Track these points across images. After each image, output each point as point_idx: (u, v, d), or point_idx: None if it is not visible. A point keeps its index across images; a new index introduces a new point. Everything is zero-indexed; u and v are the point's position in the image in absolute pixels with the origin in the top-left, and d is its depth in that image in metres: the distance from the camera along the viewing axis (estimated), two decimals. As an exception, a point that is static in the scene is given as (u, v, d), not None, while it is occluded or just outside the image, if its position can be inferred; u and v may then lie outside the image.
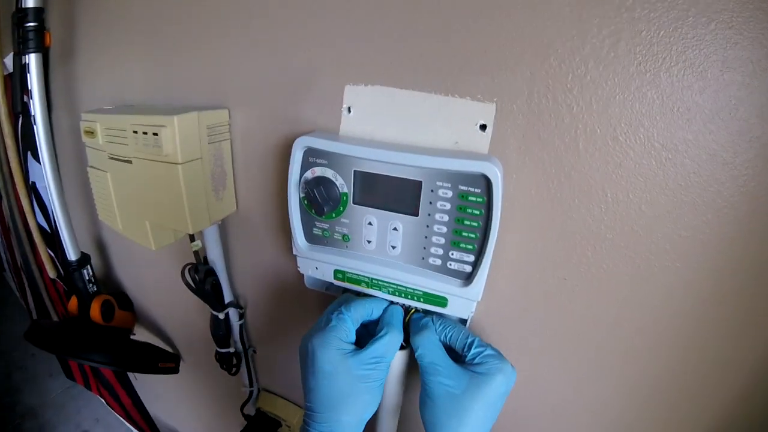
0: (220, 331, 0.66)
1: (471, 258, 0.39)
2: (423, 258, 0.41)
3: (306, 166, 0.42)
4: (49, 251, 0.89)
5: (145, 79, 0.58)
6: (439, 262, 0.41)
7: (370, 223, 0.41)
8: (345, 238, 0.43)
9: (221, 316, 0.64)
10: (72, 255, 0.70)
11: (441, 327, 0.42)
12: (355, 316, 0.42)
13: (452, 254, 0.40)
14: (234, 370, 0.72)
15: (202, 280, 0.59)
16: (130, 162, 0.49)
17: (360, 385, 0.39)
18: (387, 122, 0.41)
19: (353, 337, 0.41)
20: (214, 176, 0.50)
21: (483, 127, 0.37)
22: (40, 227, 0.88)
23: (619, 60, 0.31)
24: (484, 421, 0.38)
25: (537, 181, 0.37)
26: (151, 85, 0.58)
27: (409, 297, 0.43)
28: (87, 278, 0.72)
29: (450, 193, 0.37)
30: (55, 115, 0.72)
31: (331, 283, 0.48)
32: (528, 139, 0.36)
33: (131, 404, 1.20)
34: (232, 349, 0.69)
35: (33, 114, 0.59)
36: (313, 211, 0.42)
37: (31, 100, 0.59)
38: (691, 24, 0.28)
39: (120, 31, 0.58)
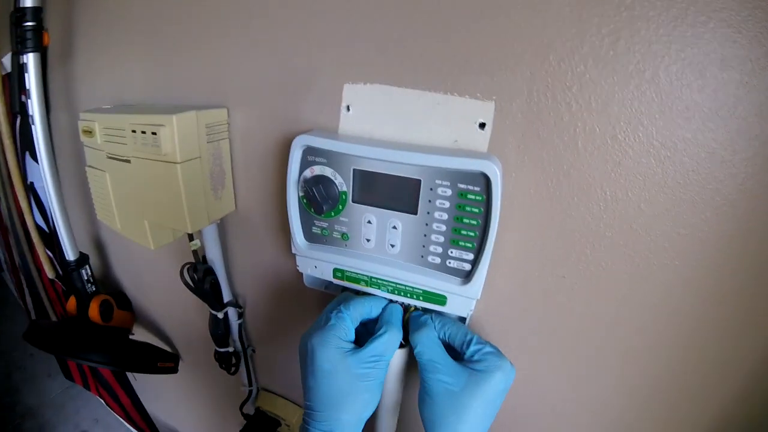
0: (219, 331, 0.66)
1: (470, 256, 0.39)
2: (422, 256, 0.41)
3: (305, 164, 0.42)
4: (48, 251, 0.89)
5: (143, 79, 0.58)
6: (438, 260, 0.41)
7: (369, 222, 0.41)
8: (344, 236, 0.43)
9: (220, 315, 0.64)
10: (70, 255, 0.70)
11: (440, 325, 0.42)
12: (354, 314, 0.42)
13: (451, 252, 0.40)
14: (233, 369, 0.72)
15: (201, 279, 0.59)
16: (128, 161, 0.49)
17: (359, 383, 0.39)
18: (386, 121, 0.41)
19: (352, 336, 0.41)
20: (213, 175, 0.50)
21: (482, 125, 0.37)
22: (38, 227, 0.88)
23: (618, 58, 0.31)
24: (483, 418, 0.38)
25: (536, 180, 0.37)
26: (149, 84, 0.58)
27: (409, 295, 0.43)
28: (86, 278, 0.72)
29: (449, 192, 0.37)
30: (53, 115, 0.72)
31: (331, 282, 0.48)
32: (527, 138, 0.36)
33: (130, 404, 1.19)
34: (231, 349, 0.69)
35: (31, 114, 0.59)
36: (312, 210, 0.42)
37: (29, 100, 0.59)
38: (689, 22, 0.28)
39: (119, 31, 0.58)
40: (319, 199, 0.40)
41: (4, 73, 0.75)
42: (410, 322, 0.44)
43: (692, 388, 0.39)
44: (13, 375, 1.82)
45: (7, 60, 0.66)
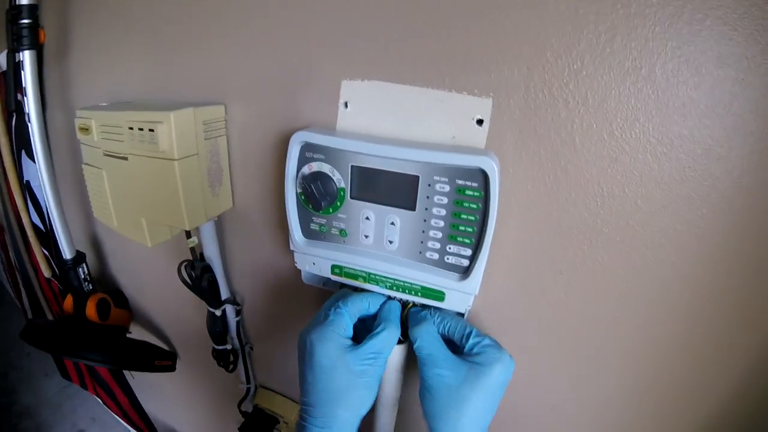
0: (217, 328, 0.66)
1: (468, 252, 0.39)
2: (420, 252, 0.41)
3: (303, 161, 0.42)
4: (44, 250, 0.88)
5: (139, 76, 0.58)
6: (436, 256, 0.41)
7: (367, 218, 0.42)
8: (342, 233, 0.43)
9: (218, 312, 0.64)
10: (67, 254, 0.70)
11: (439, 319, 0.42)
12: (352, 311, 0.42)
13: (449, 248, 0.40)
14: (231, 367, 0.72)
15: (199, 276, 0.59)
16: (125, 158, 0.49)
17: (357, 380, 0.39)
18: (384, 117, 0.41)
19: (351, 333, 0.42)
20: (211, 172, 0.50)
21: (480, 121, 0.37)
22: (34, 226, 0.87)
23: (615, 55, 0.31)
24: (483, 411, 0.38)
25: (533, 176, 0.37)
26: (145, 81, 0.57)
27: (407, 291, 0.44)
28: (82, 277, 0.72)
29: (447, 188, 0.37)
30: (49, 113, 0.71)
31: (329, 279, 0.48)
32: (524, 134, 0.36)
33: (128, 403, 1.19)
34: (229, 346, 0.69)
35: (27, 112, 0.59)
36: (311, 207, 0.42)
37: (25, 98, 0.58)
38: (686, 20, 0.29)
39: (116, 29, 0.58)
40: (318, 196, 0.40)
41: (-1, 71, 0.75)
42: (409, 317, 0.44)
43: (689, 384, 0.40)
44: (9, 374, 1.82)
45: (2, 58, 0.65)
